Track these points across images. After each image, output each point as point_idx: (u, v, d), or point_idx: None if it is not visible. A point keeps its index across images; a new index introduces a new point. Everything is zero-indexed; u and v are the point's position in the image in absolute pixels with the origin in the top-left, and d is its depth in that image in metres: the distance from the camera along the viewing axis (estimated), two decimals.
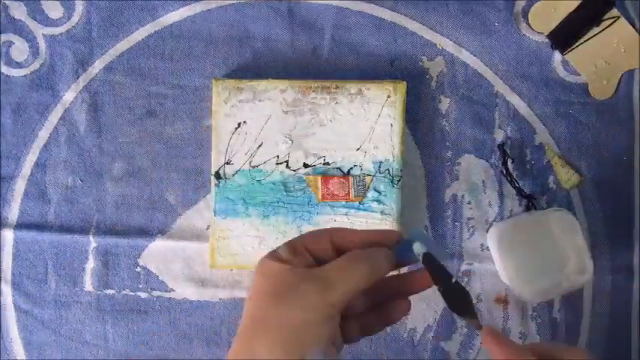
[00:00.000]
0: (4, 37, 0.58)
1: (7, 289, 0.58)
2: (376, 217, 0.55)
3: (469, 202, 0.58)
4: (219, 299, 0.58)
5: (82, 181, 0.58)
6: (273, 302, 0.38)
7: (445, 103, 0.58)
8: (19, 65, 0.58)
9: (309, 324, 0.37)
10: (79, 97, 0.58)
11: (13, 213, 0.58)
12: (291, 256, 0.39)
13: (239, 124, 0.55)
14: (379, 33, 0.57)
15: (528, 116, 0.58)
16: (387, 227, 0.55)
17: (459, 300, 0.39)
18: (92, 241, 0.58)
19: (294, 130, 0.55)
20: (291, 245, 0.40)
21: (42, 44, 0.58)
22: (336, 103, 0.55)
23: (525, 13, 0.57)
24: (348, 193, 0.55)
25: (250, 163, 0.55)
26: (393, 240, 0.41)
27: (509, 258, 0.54)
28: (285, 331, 0.37)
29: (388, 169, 0.55)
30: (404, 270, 0.42)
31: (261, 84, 0.55)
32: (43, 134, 0.58)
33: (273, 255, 0.40)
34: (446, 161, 0.58)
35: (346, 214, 0.55)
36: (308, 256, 0.40)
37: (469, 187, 0.58)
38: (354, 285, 0.38)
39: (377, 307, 0.42)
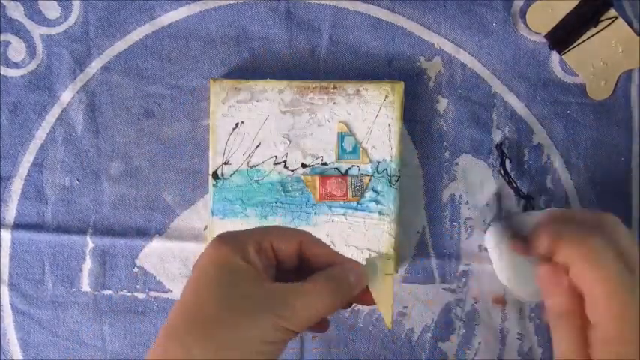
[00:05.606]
0: (2, 37, 0.57)
1: (5, 290, 0.58)
2: (374, 217, 0.55)
3: (467, 203, 0.58)
4: None
5: (79, 181, 0.58)
6: (220, 310, 0.33)
7: (443, 104, 0.58)
8: (16, 65, 0.58)
9: (258, 345, 0.33)
10: (77, 97, 0.58)
11: (10, 213, 0.58)
12: (255, 254, 0.35)
13: (237, 125, 0.55)
14: (377, 33, 0.57)
15: (526, 116, 0.58)
16: (384, 231, 0.55)
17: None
18: (89, 242, 0.58)
19: (292, 130, 0.55)
20: (257, 240, 0.36)
21: (39, 44, 0.58)
22: (334, 103, 0.55)
23: (523, 14, 0.57)
24: (346, 194, 0.55)
25: (248, 163, 0.55)
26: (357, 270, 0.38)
27: (507, 258, 0.54)
28: (230, 347, 0.33)
29: (386, 170, 0.55)
30: None
31: (259, 84, 0.55)
32: (40, 134, 0.58)
33: (236, 245, 0.35)
34: (444, 161, 0.58)
35: (344, 215, 0.55)
36: (272, 255, 0.36)
37: (467, 187, 0.58)
38: (318, 313, 0.35)
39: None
